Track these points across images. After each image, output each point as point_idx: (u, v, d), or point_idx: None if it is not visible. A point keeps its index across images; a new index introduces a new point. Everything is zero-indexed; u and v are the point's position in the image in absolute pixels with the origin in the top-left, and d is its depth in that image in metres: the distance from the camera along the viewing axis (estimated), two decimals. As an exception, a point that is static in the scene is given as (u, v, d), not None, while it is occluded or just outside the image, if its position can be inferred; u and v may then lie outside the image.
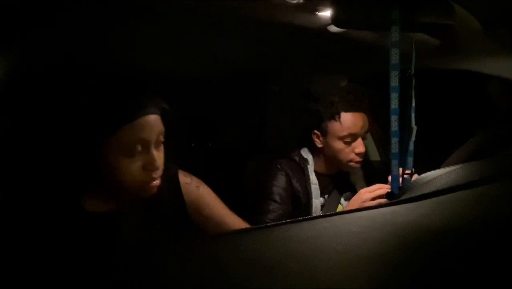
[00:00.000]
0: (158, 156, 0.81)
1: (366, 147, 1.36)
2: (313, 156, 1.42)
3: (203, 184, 1.01)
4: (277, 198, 1.34)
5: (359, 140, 1.32)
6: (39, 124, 1.07)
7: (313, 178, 1.38)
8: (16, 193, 0.85)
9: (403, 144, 0.95)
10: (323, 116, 1.33)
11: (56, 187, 0.84)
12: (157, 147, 0.81)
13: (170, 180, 0.94)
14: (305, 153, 1.43)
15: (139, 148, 0.77)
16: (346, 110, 1.30)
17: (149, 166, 0.79)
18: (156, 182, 0.82)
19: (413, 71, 0.93)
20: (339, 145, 1.32)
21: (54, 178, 0.86)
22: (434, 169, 0.79)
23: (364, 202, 1.13)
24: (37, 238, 0.79)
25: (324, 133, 1.35)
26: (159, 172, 0.82)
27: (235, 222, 0.99)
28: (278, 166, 1.40)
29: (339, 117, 1.30)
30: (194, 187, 0.97)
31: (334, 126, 1.31)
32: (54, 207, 0.81)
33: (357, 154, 1.32)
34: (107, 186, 0.83)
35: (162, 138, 0.83)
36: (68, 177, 0.85)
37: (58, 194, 0.83)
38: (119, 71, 0.83)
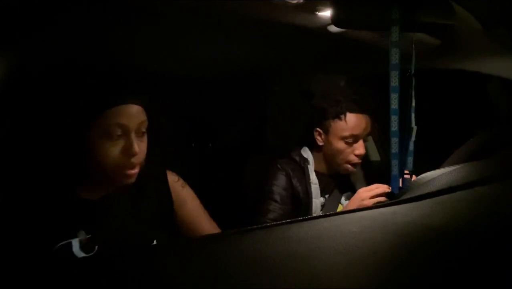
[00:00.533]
0: (139, 144, 0.87)
1: (366, 147, 1.35)
2: (314, 154, 1.42)
3: (187, 185, 1.07)
4: (277, 197, 1.34)
5: (360, 142, 1.32)
6: (32, 120, 1.13)
7: (313, 177, 1.38)
8: (15, 189, 0.88)
9: (403, 144, 0.95)
10: (328, 114, 1.32)
11: (53, 178, 0.90)
12: (139, 136, 0.87)
13: (159, 176, 1.01)
14: (306, 153, 1.43)
15: (118, 132, 0.83)
16: (351, 111, 1.29)
17: (127, 150, 0.84)
18: (135, 169, 0.87)
19: (413, 71, 0.93)
20: (340, 144, 1.32)
21: (50, 170, 0.91)
22: (434, 169, 0.79)
23: (363, 200, 1.14)
24: (37, 228, 0.84)
25: (326, 131, 1.35)
26: (137, 158, 0.87)
27: (210, 228, 1.05)
28: (278, 166, 1.40)
29: (344, 117, 1.29)
30: (179, 186, 1.04)
31: (337, 126, 1.31)
32: (51, 195, 0.87)
33: (357, 155, 1.32)
34: (94, 173, 0.89)
35: (143, 129, 0.88)
36: (63, 166, 0.91)
37: (54, 184, 0.89)
38: (106, 66, 0.90)
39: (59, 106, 0.86)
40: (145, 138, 0.90)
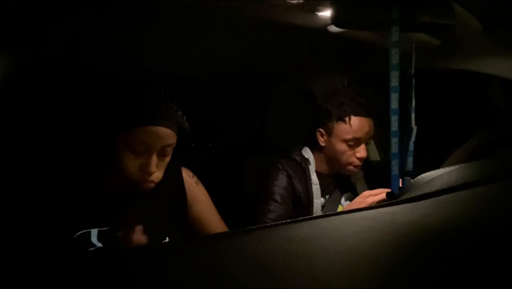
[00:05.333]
0: (159, 163, 0.90)
1: (367, 149, 1.35)
2: (315, 155, 1.42)
3: (201, 183, 1.09)
4: (278, 198, 1.34)
5: (362, 145, 1.32)
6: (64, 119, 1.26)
7: (314, 178, 1.38)
8: (40, 178, 0.93)
9: (403, 144, 0.95)
10: (331, 116, 1.32)
11: (78, 169, 0.95)
12: (161, 156, 0.90)
13: (174, 171, 1.04)
14: (306, 153, 1.43)
15: (141, 149, 0.86)
16: (356, 114, 1.28)
17: (144, 168, 0.87)
18: (149, 184, 0.90)
19: (413, 71, 0.93)
20: (342, 146, 1.31)
21: (76, 162, 0.97)
22: (434, 169, 0.79)
23: (367, 204, 1.13)
24: (60, 216, 0.88)
25: (329, 133, 1.34)
26: (152, 177, 0.90)
27: (220, 228, 1.07)
28: (279, 166, 1.39)
29: (348, 120, 1.29)
30: (194, 183, 1.07)
31: (341, 128, 1.30)
32: (76, 186, 0.91)
33: (358, 158, 1.32)
34: (117, 173, 0.92)
35: (168, 151, 0.91)
36: (89, 162, 0.96)
37: (79, 175, 0.94)
38: (143, 77, 0.92)
39: (94, 112, 0.91)
40: (167, 158, 0.92)
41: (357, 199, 1.17)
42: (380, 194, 1.13)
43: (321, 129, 1.37)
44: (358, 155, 1.31)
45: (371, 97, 1.31)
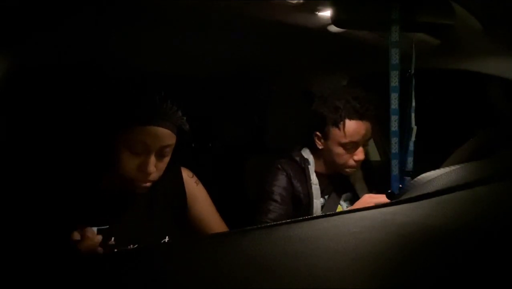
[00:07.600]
0: (158, 164, 0.89)
1: (366, 149, 1.35)
2: (314, 156, 1.42)
3: (201, 183, 1.10)
4: (277, 198, 1.34)
5: (360, 148, 1.31)
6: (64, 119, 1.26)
7: (314, 178, 1.38)
8: (40, 178, 0.94)
9: (403, 144, 0.95)
10: (327, 121, 1.32)
11: (76, 169, 0.95)
12: (160, 156, 0.90)
13: (173, 171, 1.04)
14: (306, 153, 1.43)
15: (140, 149, 0.86)
16: (351, 118, 1.28)
17: (142, 168, 0.88)
18: (147, 183, 0.90)
19: (413, 71, 0.93)
20: (339, 150, 1.31)
21: (75, 162, 0.97)
22: (434, 169, 0.79)
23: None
24: (59, 215, 0.88)
25: (326, 137, 1.34)
26: (152, 176, 0.90)
27: (219, 228, 1.07)
28: (279, 166, 1.39)
29: (343, 125, 1.28)
30: (193, 182, 1.07)
31: (337, 133, 1.30)
32: (76, 185, 0.92)
33: (356, 161, 1.32)
34: (115, 172, 0.92)
35: (167, 151, 0.91)
36: (89, 161, 0.97)
37: (77, 175, 0.94)
38: (142, 77, 0.93)
39: (94, 111, 0.91)
40: (166, 159, 0.92)
41: (359, 201, 1.17)
42: (381, 198, 1.13)
43: (318, 133, 1.37)
44: (356, 157, 1.31)
45: (367, 99, 1.30)
